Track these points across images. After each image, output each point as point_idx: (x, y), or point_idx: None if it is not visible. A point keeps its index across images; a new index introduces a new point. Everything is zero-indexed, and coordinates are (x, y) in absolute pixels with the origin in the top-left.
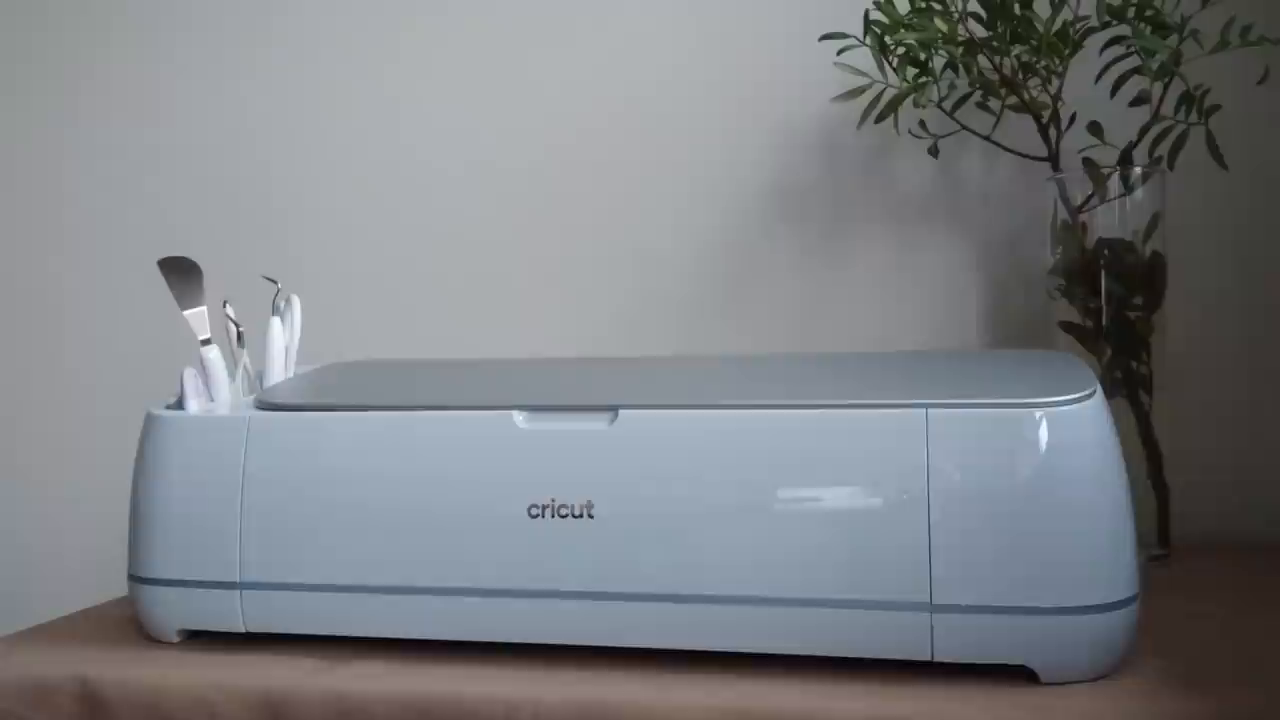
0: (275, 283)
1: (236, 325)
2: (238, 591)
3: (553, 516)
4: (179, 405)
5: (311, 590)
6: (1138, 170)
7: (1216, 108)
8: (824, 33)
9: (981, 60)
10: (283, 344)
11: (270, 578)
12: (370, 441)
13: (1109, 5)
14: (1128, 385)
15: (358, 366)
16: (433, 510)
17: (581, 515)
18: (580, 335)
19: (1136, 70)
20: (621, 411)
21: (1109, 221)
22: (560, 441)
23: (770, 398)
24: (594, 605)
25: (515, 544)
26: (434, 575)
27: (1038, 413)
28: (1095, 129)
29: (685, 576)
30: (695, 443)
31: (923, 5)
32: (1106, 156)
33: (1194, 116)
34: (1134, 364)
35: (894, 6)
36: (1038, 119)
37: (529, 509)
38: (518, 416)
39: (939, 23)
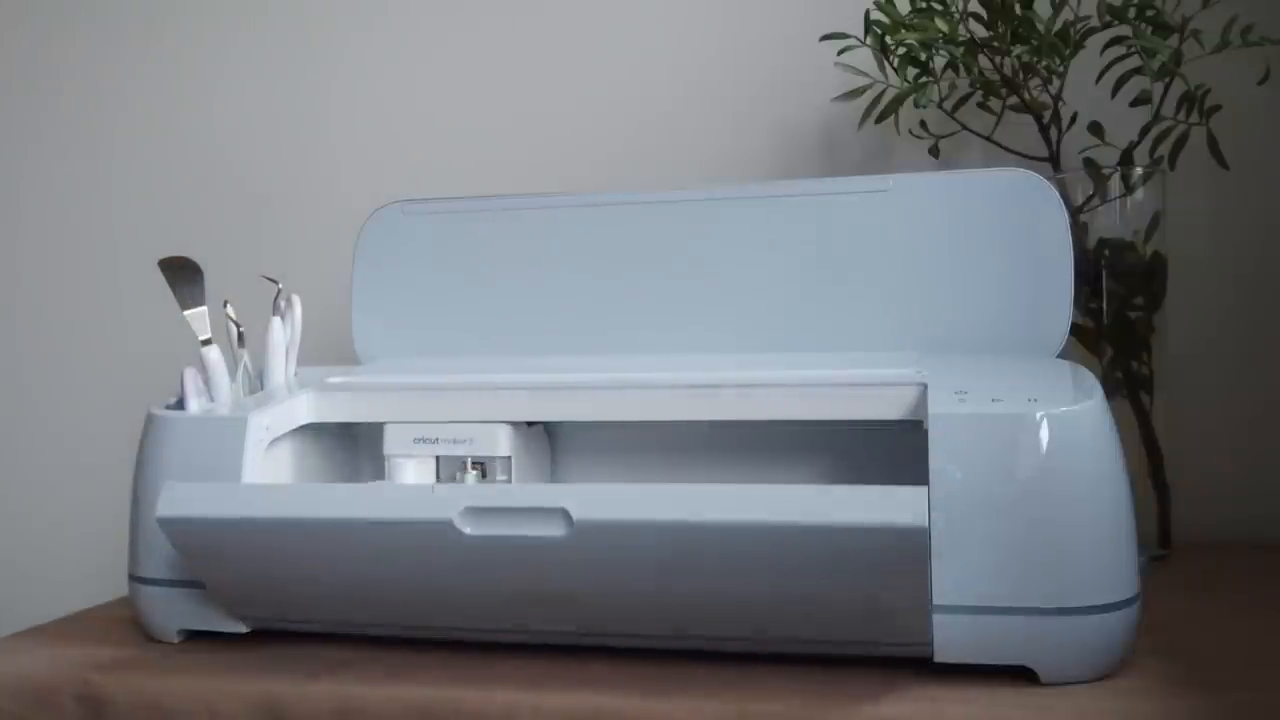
0: (275, 283)
1: (237, 325)
2: None
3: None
4: (179, 405)
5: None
6: (1138, 170)
7: (1217, 108)
8: (824, 33)
9: (982, 60)
10: (283, 344)
11: None
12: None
13: (1109, 5)
14: (1128, 386)
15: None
16: None
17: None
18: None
19: (1137, 70)
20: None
21: (1110, 221)
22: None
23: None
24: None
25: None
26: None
27: (1038, 413)
28: (1096, 129)
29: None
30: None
31: (923, 5)
32: (1107, 157)
33: (1195, 116)
34: (1134, 364)
35: (895, 6)
36: (1038, 119)
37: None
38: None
39: (940, 23)
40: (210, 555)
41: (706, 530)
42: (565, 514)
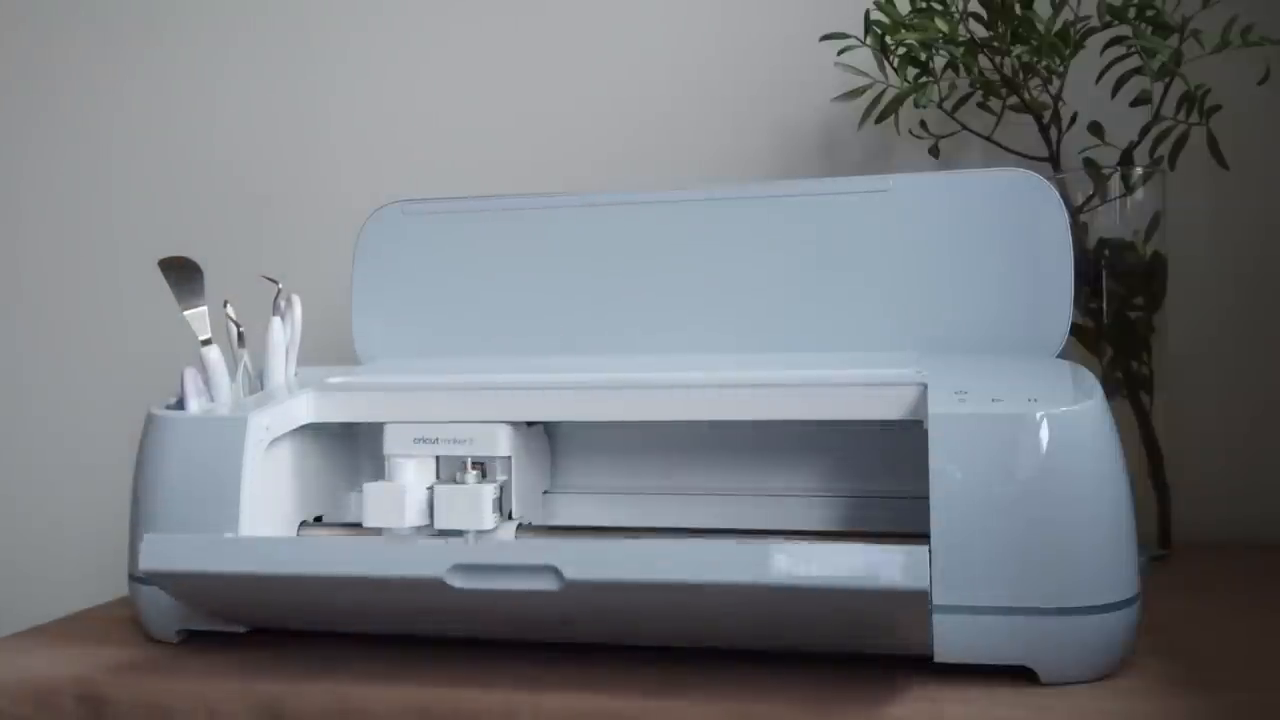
0: (275, 283)
1: (237, 325)
2: None
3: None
4: (179, 405)
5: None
6: (1138, 170)
7: (1217, 108)
8: (824, 33)
9: (982, 60)
10: (283, 344)
11: None
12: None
13: (1109, 5)
14: (1128, 386)
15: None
16: None
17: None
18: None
19: (1137, 70)
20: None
21: (1110, 221)
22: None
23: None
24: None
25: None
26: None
27: (1038, 413)
28: (1096, 129)
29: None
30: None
31: (923, 5)
32: (1107, 157)
33: (1195, 116)
34: (1134, 364)
35: (895, 7)
36: (1038, 119)
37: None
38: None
39: (940, 23)
40: (199, 597)
41: (703, 589)
42: (556, 571)
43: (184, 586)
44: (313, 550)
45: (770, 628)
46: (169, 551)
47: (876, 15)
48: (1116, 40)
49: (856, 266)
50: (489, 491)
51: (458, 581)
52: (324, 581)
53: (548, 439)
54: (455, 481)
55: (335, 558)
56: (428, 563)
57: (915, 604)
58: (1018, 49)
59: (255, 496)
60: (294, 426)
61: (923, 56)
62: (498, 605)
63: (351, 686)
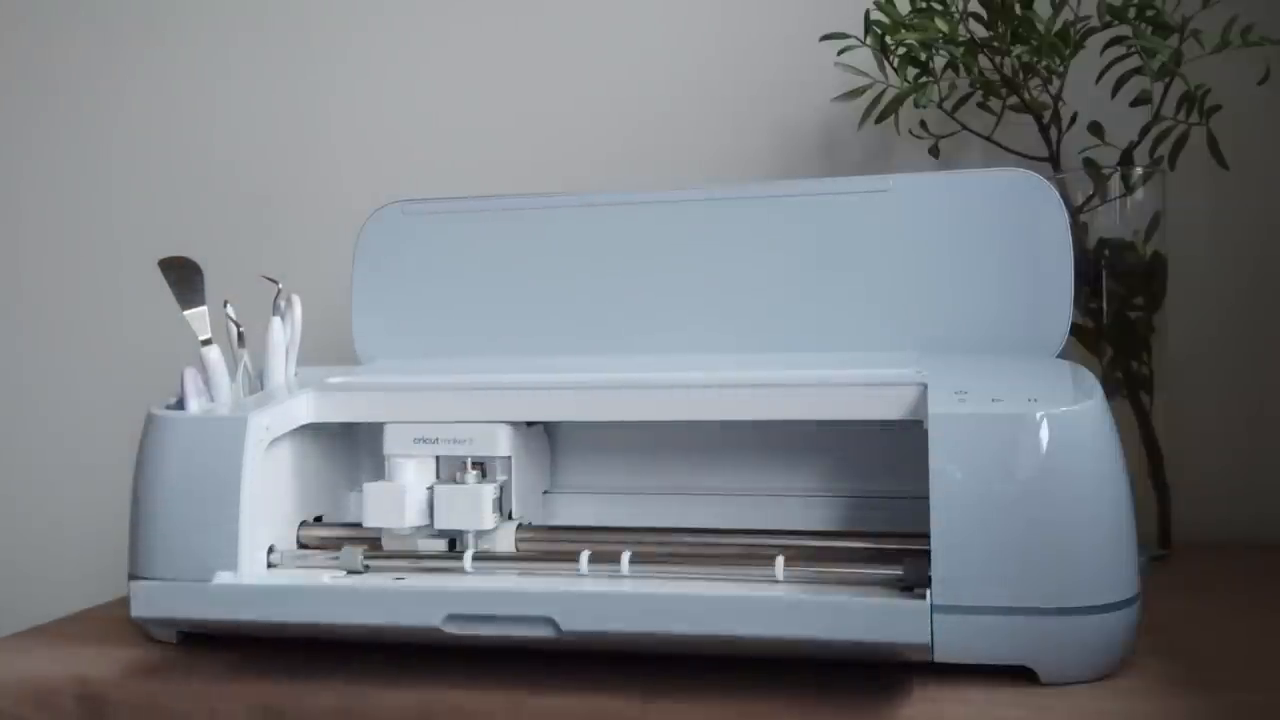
0: (275, 283)
1: (237, 325)
2: None
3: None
4: (179, 405)
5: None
6: (1138, 170)
7: (1217, 108)
8: (824, 33)
9: (982, 60)
10: (283, 344)
11: None
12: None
13: (1109, 5)
14: (1128, 386)
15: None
16: None
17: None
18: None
19: (1137, 70)
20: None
21: (1110, 221)
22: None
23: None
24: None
25: None
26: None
27: (1038, 413)
28: (1096, 129)
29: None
30: None
31: (923, 5)
32: (1107, 157)
33: (1195, 116)
34: (1135, 364)
35: (895, 7)
36: (1038, 119)
37: None
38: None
39: (940, 23)
40: (195, 630)
41: (701, 640)
42: (553, 622)
43: (180, 625)
44: (305, 598)
45: (770, 652)
46: (158, 600)
47: (876, 15)
48: (1116, 40)
49: (856, 266)
50: (489, 491)
51: (453, 628)
52: (314, 628)
53: (548, 439)
54: (455, 481)
55: (328, 606)
56: (422, 612)
57: (916, 652)
58: (1018, 49)
59: (255, 496)
60: (294, 426)
61: (923, 56)
62: (492, 649)
63: (353, 686)
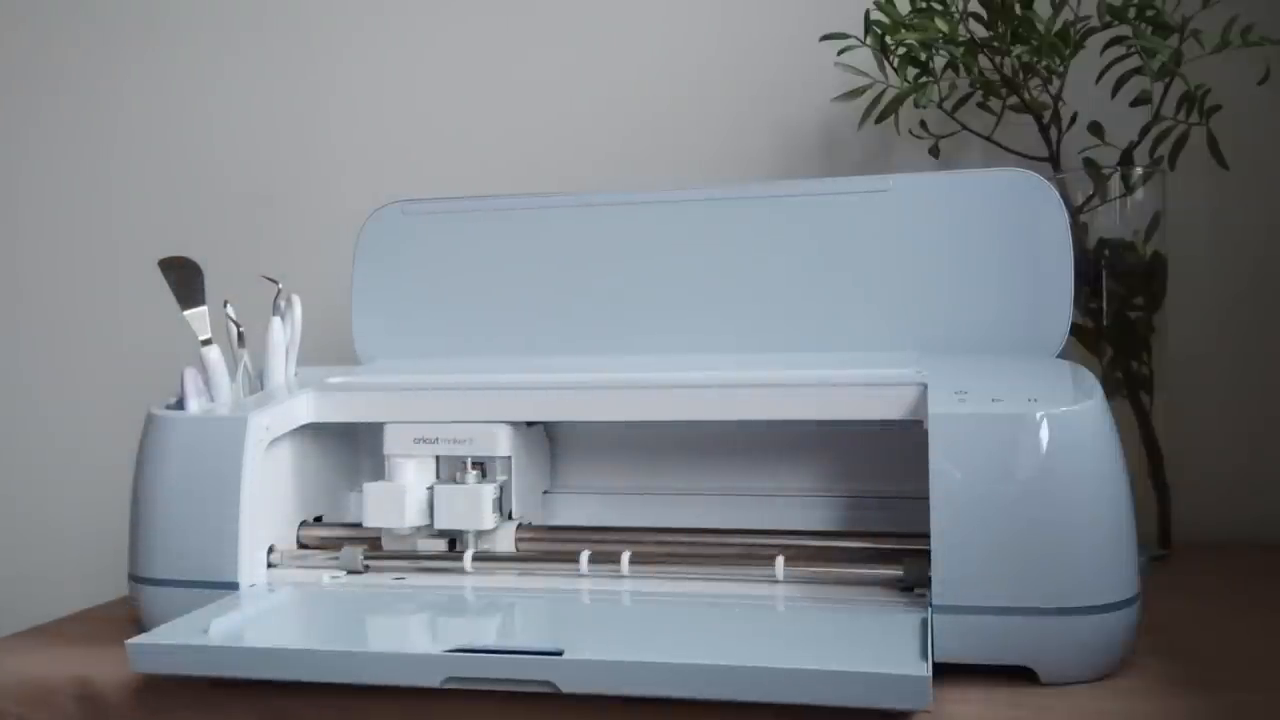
0: (275, 283)
1: (237, 325)
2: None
3: None
4: (179, 405)
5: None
6: (1138, 170)
7: (1217, 108)
8: (824, 33)
9: (982, 60)
10: (283, 344)
11: None
12: None
13: (1110, 5)
14: (1128, 386)
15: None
16: None
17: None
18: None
19: (1137, 70)
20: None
21: (1110, 221)
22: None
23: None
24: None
25: None
26: None
27: (1038, 413)
28: (1096, 129)
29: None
30: None
31: (923, 5)
32: (1107, 157)
33: (1195, 116)
34: (1135, 364)
35: (895, 7)
36: (1038, 119)
37: None
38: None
39: (940, 23)
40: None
41: (702, 703)
42: (553, 685)
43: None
44: (303, 659)
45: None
46: (155, 656)
47: (876, 15)
48: (1116, 40)
49: (857, 266)
50: (489, 491)
51: (452, 685)
52: (311, 686)
53: (548, 439)
54: (455, 481)
55: (326, 665)
56: (422, 675)
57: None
58: (1018, 49)
59: (255, 496)
60: (294, 426)
61: (923, 56)
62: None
63: (353, 687)
